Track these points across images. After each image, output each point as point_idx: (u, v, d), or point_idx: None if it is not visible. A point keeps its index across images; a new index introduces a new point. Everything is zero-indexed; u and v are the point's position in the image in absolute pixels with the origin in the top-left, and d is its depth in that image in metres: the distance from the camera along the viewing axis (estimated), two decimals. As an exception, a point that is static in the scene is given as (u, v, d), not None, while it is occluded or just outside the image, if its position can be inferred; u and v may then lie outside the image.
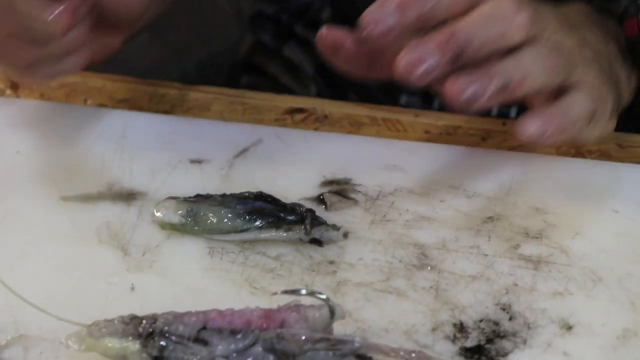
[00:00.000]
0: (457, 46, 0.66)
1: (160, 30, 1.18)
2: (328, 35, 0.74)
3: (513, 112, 1.01)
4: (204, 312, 0.64)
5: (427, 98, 1.03)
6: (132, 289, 0.71)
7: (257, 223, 0.74)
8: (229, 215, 0.74)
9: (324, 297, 0.63)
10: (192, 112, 0.90)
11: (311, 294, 0.64)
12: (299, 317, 0.64)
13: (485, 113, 0.97)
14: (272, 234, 0.74)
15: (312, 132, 0.85)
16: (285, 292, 0.66)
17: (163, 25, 1.17)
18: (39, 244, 0.75)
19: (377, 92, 1.05)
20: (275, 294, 0.67)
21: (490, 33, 0.67)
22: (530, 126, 0.69)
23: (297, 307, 0.64)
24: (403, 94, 1.05)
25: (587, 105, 0.70)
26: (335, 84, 1.09)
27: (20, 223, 0.76)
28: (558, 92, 0.70)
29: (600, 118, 0.72)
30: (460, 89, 0.67)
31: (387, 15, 0.67)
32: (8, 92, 0.93)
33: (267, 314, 0.64)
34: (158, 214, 0.75)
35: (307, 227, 0.73)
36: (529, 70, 0.68)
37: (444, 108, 0.81)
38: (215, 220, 0.74)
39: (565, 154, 0.81)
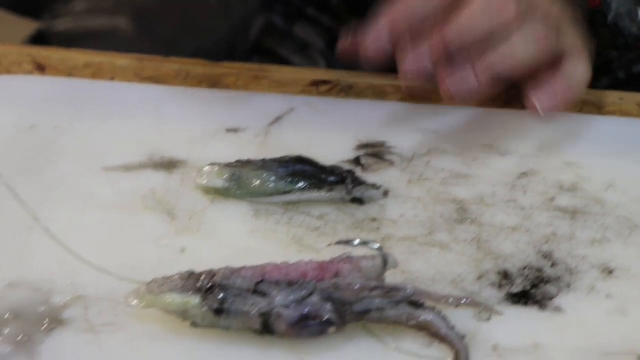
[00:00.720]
0: (449, 47, 0.70)
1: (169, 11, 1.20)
2: (348, 46, 0.77)
3: None
4: (261, 266, 0.67)
5: None
6: (183, 251, 0.73)
7: (300, 185, 0.76)
8: (272, 178, 0.76)
9: (377, 246, 0.66)
10: (219, 87, 0.92)
11: (364, 243, 0.67)
12: (353, 268, 0.66)
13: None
14: (314, 194, 0.76)
15: (342, 100, 0.88)
16: (339, 242, 0.68)
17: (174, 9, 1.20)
18: (87, 212, 0.77)
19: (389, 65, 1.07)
20: (329, 245, 0.69)
21: (481, 29, 0.70)
22: (541, 103, 0.72)
23: (350, 259, 0.67)
24: None
25: (584, 69, 0.73)
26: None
27: (66, 193, 0.78)
28: (555, 59, 0.74)
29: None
30: (455, 86, 0.71)
31: (381, 35, 0.72)
32: (35, 73, 0.94)
33: (322, 266, 0.66)
34: (202, 180, 0.77)
35: (349, 186, 0.75)
36: (521, 53, 0.72)
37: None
38: (258, 184, 0.76)
39: (590, 112, 0.84)
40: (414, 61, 0.71)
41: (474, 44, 0.70)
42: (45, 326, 0.68)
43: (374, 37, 0.72)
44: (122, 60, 0.95)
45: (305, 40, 1.16)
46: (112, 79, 0.94)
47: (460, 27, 0.70)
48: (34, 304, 0.70)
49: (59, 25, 1.17)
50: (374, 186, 0.76)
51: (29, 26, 1.29)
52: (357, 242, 0.67)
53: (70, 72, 0.94)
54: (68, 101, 0.88)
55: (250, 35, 1.25)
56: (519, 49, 0.71)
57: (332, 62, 1.15)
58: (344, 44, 0.76)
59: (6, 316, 0.69)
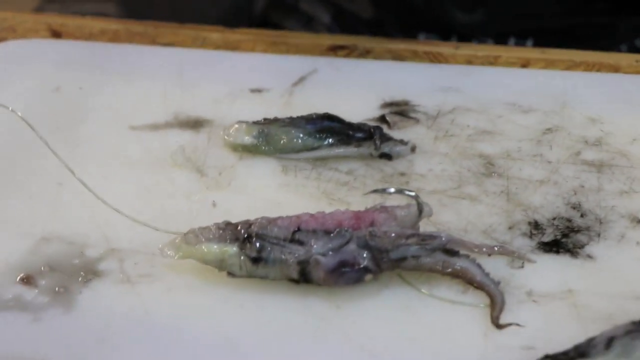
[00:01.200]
0: None
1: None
2: None
3: (529, 43, 1.04)
4: (296, 216, 0.67)
5: (445, 34, 1.06)
6: (214, 205, 0.74)
7: (328, 141, 0.76)
8: (300, 134, 0.77)
9: (412, 194, 0.66)
10: (239, 52, 0.93)
11: (400, 191, 0.67)
12: (388, 216, 0.67)
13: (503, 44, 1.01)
14: (342, 150, 0.76)
15: (364, 61, 0.88)
16: (375, 191, 0.69)
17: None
18: (116, 169, 0.77)
19: (395, 33, 1.08)
20: (365, 194, 0.70)
21: None
22: None
23: (385, 208, 0.67)
24: (421, 32, 1.09)
25: None
26: (353, 33, 1.12)
27: (96, 150, 0.79)
28: None
29: None
30: None
31: None
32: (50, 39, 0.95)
33: (357, 215, 0.67)
34: (230, 137, 0.78)
35: (377, 142, 0.76)
36: None
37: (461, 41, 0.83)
38: (286, 140, 0.77)
39: (607, 70, 0.85)
40: None
41: None
42: (81, 278, 0.68)
43: None
44: (138, 27, 0.95)
45: (310, 14, 1.16)
46: (129, 44, 0.94)
47: None
48: (69, 257, 0.70)
49: (48, 11, 1.18)
50: (402, 142, 0.77)
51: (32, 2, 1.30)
52: (392, 190, 0.68)
53: (86, 38, 0.95)
54: (90, 64, 0.89)
55: (256, 9, 1.25)
56: None
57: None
58: None
59: (42, 268, 0.69)
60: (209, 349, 0.64)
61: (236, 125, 0.78)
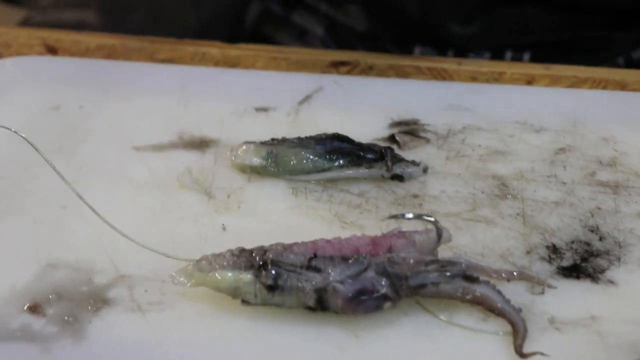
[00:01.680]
0: None
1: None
2: None
3: (526, 56, 1.04)
4: (313, 242, 0.66)
5: (441, 47, 1.05)
6: (224, 228, 0.72)
7: (339, 162, 0.75)
8: (310, 155, 0.75)
9: (432, 219, 0.65)
10: (239, 68, 0.91)
11: (418, 217, 0.66)
12: (407, 242, 0.65)
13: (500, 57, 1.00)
14: (353, 171, 0.75)
15: (369, 78, 0.87)
16: (393, 216, 0.67)
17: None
18: (122, 192, 0.75)
19: (390, 46, 1.07)
20: (383, 220, 0.69)
21: None
22: None
23: (403, 233, 0.66)
24: (416, 45, 1.07)
25: None
26: (347, 46, 1.11)
27: (99, 172, 0.77)
28: None
29: None
30: None
31: None
32: (47, 55, 0.93)
33: (374, 240, 0.66)
34: (238, 158, 0.76)
35: (389, 163, 0.74)
36: None
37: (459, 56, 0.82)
38: (296, 161, 0.75)
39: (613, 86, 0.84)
40: None
41: None
42: (90, 306, 0.66)
43: None
44: (134, 42, 0.94)
45: (303, 26, 1.15)
46: (127, 60, 0.92)
47: None
48: (77, 284, 0.68)
49: (30, 19, 1.16)
50: (414, 162, 0.75)
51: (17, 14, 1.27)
52: (410, 215, 0.66)
53: (82, 54, 0.93)
54: (89, 82, 0.87)
55: (247, 22, 1.24)
56: None
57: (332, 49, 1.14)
58: None
59: (50, 296, 0.67)
60: (224, 379, 0.62)
61: (244, 147, 0.76)
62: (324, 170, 0.75)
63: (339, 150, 0.75)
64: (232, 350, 0.64)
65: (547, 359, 0.61)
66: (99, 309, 0.66)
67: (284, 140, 0.77)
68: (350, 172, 0.75)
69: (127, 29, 1.03)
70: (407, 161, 0.75)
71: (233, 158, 0.76)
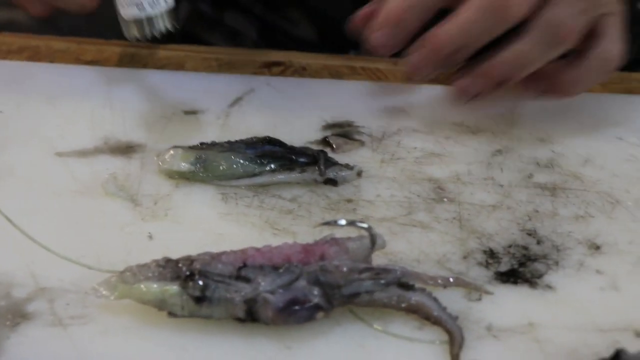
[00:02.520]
0: (450, 51, 0.70)
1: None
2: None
3: None
4: (241, 251, 0.63)
5: None
6: (150, 237, 0.69)
7: (270, 166, 0.72)
8: (240, 160, 0.73)
9: (365, 226, 0.63)
10: (168, 69, 0.88)
11: (352, 223, 0.64)
12: (340, 249, 0.63)
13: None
14: (285, 176, 0.73)
15: (302, 79, 0.85)
16: (325, 223, 0.65)
17: None
18: (42, 200, 0.72)
19: (326, 50, 1.05)
20: (315, 227, 0.66)
21: (484, 29, 0.69)
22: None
23: (336, 240, 0.64)
24: (351, 50, 1.05)
25: (616, 50, 0.71)
26: (282, 48, 1.08)
27: (19, 180, 0.74)
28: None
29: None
30: (464, 89, 0.71)
31: (390, 36, 0.71)
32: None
33: (306, 248, 0.63)
34: (165, 164, 0.73)
35: (322, 167, 0.72)
36: (528, 56, 0.69)
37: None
38: (225, 166, 0.73)
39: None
40: (417, 64, 0.72)
41: (474, 45, 0.69)
42: (8, 322, 0.63)
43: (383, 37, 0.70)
44: (60, 43, 0.90)
45: (235, 28, 1.12)
46: (51, 62, 0.89)
47: (455, 31, 0.69)
48: (-6, 298, 0.65)
49: None
50: (347, 166, 0.73)
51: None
52: (343, 222, 0.64)
53: (4, 56, 0.89)
54: (9, 85, 0.84)
55: (177, 22, 1.20)
56: (531, 55, 0.69)
57: None
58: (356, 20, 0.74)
59: (-35, 312, 0.64)
60: (149, 396, 0.59)
61: (171, 152, 0.73)
62: (254, 175, 0.73)
63: (271, 154, 0.73)
64: (158, 365, 0.61)
65: (484, 369, 0.59)
66: (18, 324, 0.63)
67: (213, 145, 0.74)
68: (282, 176, 0.73)
69: (59, 29, 1.00)
70: (341, 165, 0.73)
71: (160, 163, 0.74)
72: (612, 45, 0.71)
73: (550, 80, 0.72)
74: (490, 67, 0.70)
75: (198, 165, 0.73)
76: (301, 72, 0.88)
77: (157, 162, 0.74)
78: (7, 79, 0.84)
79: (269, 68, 0.88)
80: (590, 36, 0.71)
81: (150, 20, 0.71)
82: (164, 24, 0.71)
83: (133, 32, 0.72)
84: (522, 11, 0.68)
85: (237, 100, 0.81)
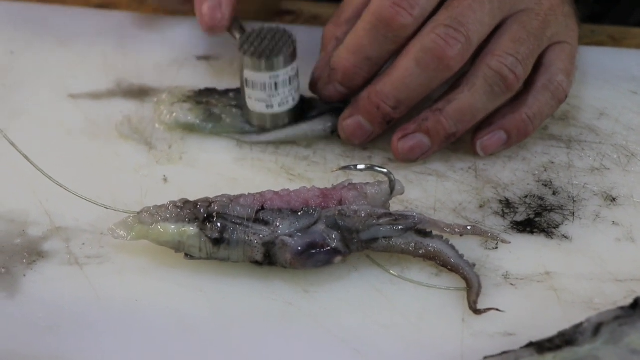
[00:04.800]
0: (386, 113, 0.67)
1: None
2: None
3: None
4: (260, 194, 0.63)
5: None
6: (165, 180, 0.69)
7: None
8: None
9: (385, 170, 0.63)
10: (179, 15, 0.87)
11: (370, 168, 0.64)
12: (358, 194, 0.63)
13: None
14: (294, 129, 0.71)
15: (315, 28, 0.84)
16: (344, 167, 0.65)
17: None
18: (56, 140, 0.72)
19: (335, 0, 1.04)
20: (333, 170, 0.66)
21: (422, 82, 0.66)
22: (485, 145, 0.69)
23: (354, 185, 0.63)
24: None
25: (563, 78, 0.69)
26: None
27: (31, 120, 0.73)
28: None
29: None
30: (410, 150, 0.68)
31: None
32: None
33: (324, 192, 0.63)
34: (171, 116, 0.72)
35: (334, 118, 0.71)
36: (474, 107, 0.66)
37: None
38: (234, 121, 0.72)
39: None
40: (354, 126, 0.69)
41: (411, 100, 0.67)
42: (25, 259, 0.63)
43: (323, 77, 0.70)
44: (67, -13, 0.89)
45: None
46: (62, 5, 0.88)
47: (393, 87, 0.66)
48: (9, 236, 0.65)
49: None
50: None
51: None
52: (362, 166, 0.64)
53: (15, -1, 0.88)
54: (21, 26, 0.83)
55: None
56: (478, 105, 0.66)
57: None
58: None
59: (-20, 249, 0.63)
60: (166, 335, 0.60)
61: (174, 113, 0.72)
62: (264, 131, 0.72)
63: None
64: (175, 305, 0.61)
65: (502, 316, 0.59)
66: (34, 262, 0.63)
67: (223, 93, 0.73)
68: (291, 130, 0.71)
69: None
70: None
71: (163, 117, 0.73)
72: (560, 73, 0.68)
73: (502, 126, 0.68)
74: (436, 123, 0.67)
75: (207, 121, 0.72)
76: (312, 21, 0.87)
77: (160, 115, 0.73)
78: (18, 21, 0.83)
79: (280, 16, 0.88)
80: (535, 67, 0.68)
81: (275, 116, 0.70)
82: (286, 120, 0.70)
83: (253, 121, 0.71)
84: (460, 62, 0.65)
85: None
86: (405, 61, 0.66)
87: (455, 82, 0.67)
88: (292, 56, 0.69)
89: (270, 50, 0.68)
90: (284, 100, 0.69)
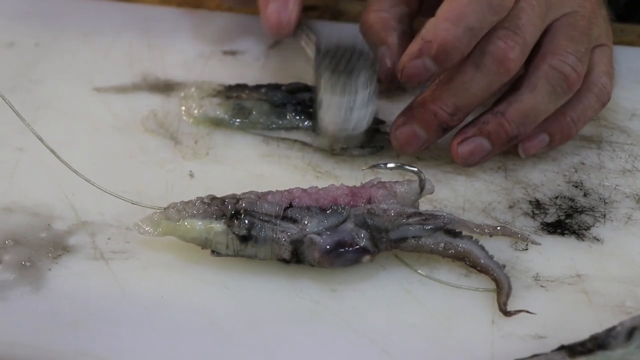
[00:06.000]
0: (443, 120, 0.65)
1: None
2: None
3: None
4: (288, 191, 0.62)
5: None
6: (191, 175, 0.68)
7: (306, 123, 0.71)
8: (277, 109, 0.71)
9: (415, 169, 0.62)
10: (205, 9, 0.87)
11: (400, 166, 0.63)
12: (387, 193, 0.62)
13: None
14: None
15: (341, 24, 0.83)
16: (374, 166, 0.64)
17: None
18: (81, 134, 0.71)
19: None
20: (364, 169, 0.66)
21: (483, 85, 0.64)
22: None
23: (383, 183, 0.63)
24: None
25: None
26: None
27: (55, 113, 0.73)
28: None
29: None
30: (470, 155, 0.66)
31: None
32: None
33: (353, 191, 0.62)
34: (200, 111, 0.72)
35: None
36: (537, 109, 0.65)
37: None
38: (261, 118, 0.71)
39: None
40: (409, 132, 0.66)
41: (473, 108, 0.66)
42: (50, 253, 0.62)
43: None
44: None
45: None
46: (87, -1, 0.88)
47: (452, 92, 0.65)
48: (35, 230, 0.64)
49: None
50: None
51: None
52: (392, 164, 0.63)
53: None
54: (46, 19, 0.82)
55: None
56: (540, 107, 0.65)
57: None
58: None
59: (6, 242, 0.63)
60: (191, 332, 0.59)
61: (202, 108, 0.72)
62: (292, 128, 0.71)
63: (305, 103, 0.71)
64: (201, 302, 0.60)
65: (532, 318, 0.59)
66: (59, 256, 0.62)
67: (253, 89, 0.73)
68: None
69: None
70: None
71: (191, 110, 0.72)
72: (604, 75, 0.67)
73: (545, 128, 0.67)
74: (498, 126, 0.65)
75: (233, 117, 0.71)
76: (338, 16, 0.87)
77: (187, 108, 0.72)
78: (43, 13, 0.83)
79: (305, 12, 0.87)
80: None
81: (348, 137, 0.68)
82: (358, 141, 0.68)
83: (324, 140, 0.69)
84: (519, 65, 0.64)
85: (276, 42, 0.80)
86: (463, 66, 0.64)
87: (514, 84, 0.65)
88: (371, 78, 0.66)
89: (349, 73, 0.65)
90: (359, 124, 0.67)
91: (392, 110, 0.70)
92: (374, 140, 0.69)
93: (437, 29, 0.63)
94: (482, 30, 0.63)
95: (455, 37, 0.62)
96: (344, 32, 0.80)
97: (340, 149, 0.68)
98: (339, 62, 0.66)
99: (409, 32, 0.70)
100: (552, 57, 0.65)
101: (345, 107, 0.65)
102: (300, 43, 0.70)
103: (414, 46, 0.64)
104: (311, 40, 0.70)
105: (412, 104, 0.66)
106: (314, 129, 0.69)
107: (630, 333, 0.55)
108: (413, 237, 0.61)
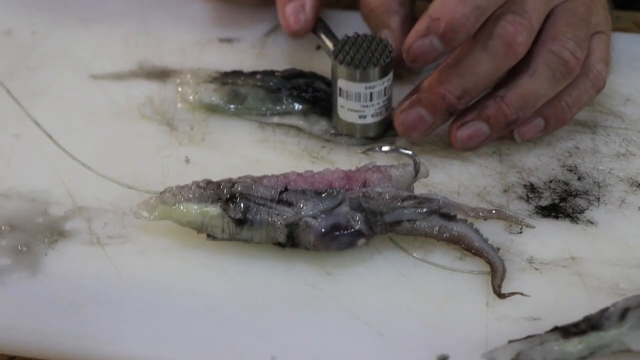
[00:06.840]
0: (450, 103, 0.65)
1: None
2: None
3: None
4: (283, 175, 0.63)
5: None
6: (187, 161, 0.69)
7: (301, 107, 0.71)
8: (271, 98, 0.71)
9: (409, 152, 0.62)
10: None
11: (395, 150, 0.63)
12: (382, 177, 0.62)
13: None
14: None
15: (342, 11, 0.83)
16: (369, 149, 0.64)
17: None
18: (78, 120, 0.72)
19: None
20: (360, 152, 0.66)
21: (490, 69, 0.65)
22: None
23: (378, 167, 0.63)
24: None
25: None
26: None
27: (53, 100, 0.73)
28: None
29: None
30: (469, 139, 0.66)
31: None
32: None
33: (348, 174, 0.63)
34: (195, 96, 0.72)
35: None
36: (537, 93, 0.65)
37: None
38: (257, 103, 0.71)
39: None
40: (415, 116, 0.66)
41: (475, 92, 0.66)
42: (46, 238, 0.63)
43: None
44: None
45: None
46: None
47: (460, 75, 0.65)
48: (31, 215, 0.65)
49: None
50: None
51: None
52: (386, 148, 0.63)
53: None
54: (43, 6, 0.83)
55: None
56: (540, 92, 0.65)
57: None
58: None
59: (2, 227, 0.63)
60: (188, 316, 0.59)
61: (198, 93, 0.72)
62: (287, 113, 0.71)
63: (301, 88, 0.71)
64: (197, 286, 0.61)
65: (526, 300, 0.59)
66: (56, 241, 0.63)
67: (249, 75, 0.73)
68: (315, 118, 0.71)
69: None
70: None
71: (187, 95, 0.72)
72: (600, 62, 0.68)
73: (541, 112, 0.67)
74: (497, 110, 0.65)
75: (230, 103, 0.71)
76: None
77: (184, 94, 0.72)
78: (40, 1, 0.83)
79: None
80: None
81: (365, 126, 0.68)
82: (375, 130, 0.69)
83: (341, 129, 0.69)
84: (526, 48, 0.64)
85: (273, 29, 0.80)
86: (471, 49, 0.64)
87: (513, 69, 0.66)
88: (389, 66, 0.66)
89: (367, 60, 0.66)
90: (377, 112, 0.67)
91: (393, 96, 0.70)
92: (390, 130, 0.69)
93: (445, 6, 0.63)
94: (488, 9, 0.63)
95: (464, 15, 0.62)
96: (339, 19, 0.81)
97: (357, 137, 0.68)
98: (357, 51, 0.66)
99: (410, 16, 0.70)
100: (552, 42, 0.65)
101: (364, 94, 0.66)
102: (320, 37, 0.71)
103: (421, 24, 0.64)
104: (329, 35, 0.71)
105: (417, 88, 0.67)
106: (307, 114, 0.70)
107: (623, 314, 0.55)
108: (408, 220, 0.61)
